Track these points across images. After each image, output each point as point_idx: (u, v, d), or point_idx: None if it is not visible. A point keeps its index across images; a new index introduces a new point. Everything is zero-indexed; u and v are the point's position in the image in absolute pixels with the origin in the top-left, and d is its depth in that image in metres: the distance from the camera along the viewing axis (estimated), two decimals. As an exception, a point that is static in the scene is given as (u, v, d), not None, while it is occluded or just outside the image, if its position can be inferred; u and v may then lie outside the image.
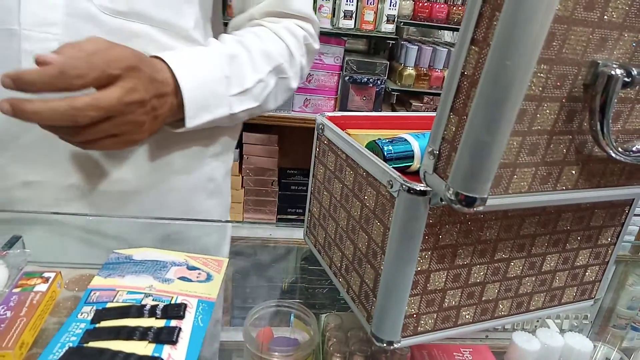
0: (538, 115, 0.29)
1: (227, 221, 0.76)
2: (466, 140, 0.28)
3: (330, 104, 1.59)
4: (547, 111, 0.29)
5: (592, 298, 0.53)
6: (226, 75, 0.56)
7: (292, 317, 0.58)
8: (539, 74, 0.27)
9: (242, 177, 1.70)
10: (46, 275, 0.44)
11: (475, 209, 0.30)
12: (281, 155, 1.70)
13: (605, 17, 0.27)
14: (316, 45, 0.68)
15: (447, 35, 1.84)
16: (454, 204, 0.30)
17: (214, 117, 0.56)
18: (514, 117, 0.27)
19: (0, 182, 0.55)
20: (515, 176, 0.30)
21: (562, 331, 0.70)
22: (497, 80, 0.26)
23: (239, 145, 1.66)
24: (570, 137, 0.31)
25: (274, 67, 0.61)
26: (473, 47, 0.28)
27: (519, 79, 0.26)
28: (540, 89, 0.28)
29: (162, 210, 0.63)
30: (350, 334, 0.58)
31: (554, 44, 0.26)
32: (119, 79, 0.45)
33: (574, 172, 0.33)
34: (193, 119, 0.53)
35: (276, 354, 0.52)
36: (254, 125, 1.60)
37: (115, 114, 0.45)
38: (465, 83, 0.29)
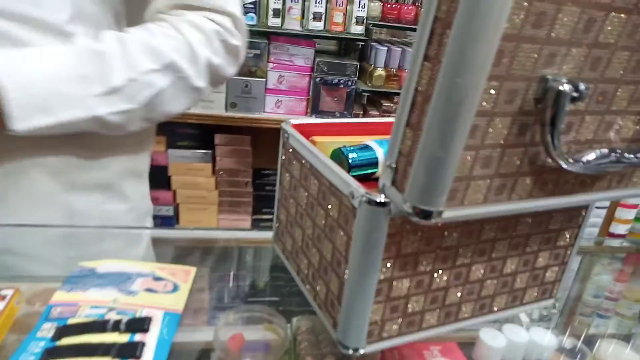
0: (490, 129, 0.29)
1: (134, 227, 0.73)
2: (421, 155, 0.29)
3: (302, 105, 1.59)
4: (499, 125, 0.29)
5: (553, 297, 0.54)
6: (83, 73, 0.51)
7: (259, 321, 0.58)
8: (489, 91, 0.28)
9: (216, 178, 1.69)
10: (3, 292, 0.43)
11: (432, 221, 0.31)
12: (255, 155, 1.69)
13: (553, 34, 0.28)
14: (235, 41, 0.62)
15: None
16: (412, 216, 0.31)
17: (62, 120, 0.51)
18: (467, 133, 0.28)
19: None
20: (470, 189, 0.31)
21: (531, 320, 0.72)
22: (448, 96, 0.27)
23: (212, 146, 1.65)
24: (523, 149, 0.32)
25: (163, 65, 0.56)
26: (426, 64, 0.28)
27: (469, 96, 0.27)
28: (492, 104, 0.28)
29: (40, 213, 0.60)
30: (321, 337, 0.59)
31: (503, 61, 0.27)
32: None
33: (528, 182, 0.34)
34: (24, 122, 0.49)
35: (247, 359, 0.52)
36: (225, 126, 1.58)
37: None
38: (419, 98, 0.29)
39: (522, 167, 0.32)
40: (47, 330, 0.40)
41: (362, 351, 0.42)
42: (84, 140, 0.59)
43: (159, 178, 1.65)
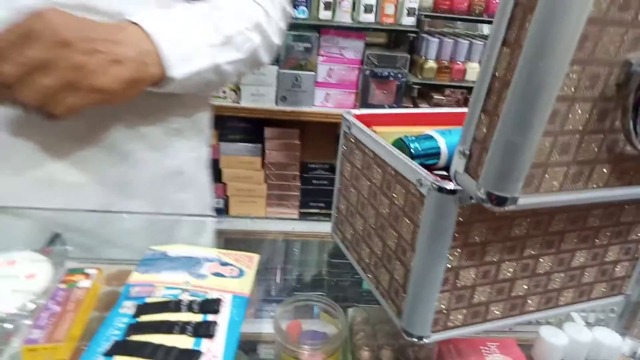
0: (570, 115, 0.29)
1: (203, 215, 0.77)
2: (497, 140, 0.29)
3: (351, 99, 1.59)
4: (579, 111, 0.29)
5: (622, 294, 0.53)
6: (202, 26, 0.57)
7: (315, 310, 0.59)
8: (571, 75, 0.27)
9: (265, 172, 1.72)
10: (88, 271, 0.46)
11: (506, 208, 0.31)
12: (303, 149, 1.71)
13: None
14: (289, 9, 0.71)
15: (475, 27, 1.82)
16: (485, 203, 0.31)
17: (198, 68, 0.56)
18: (546, 118, 0.28)
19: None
20: (547, 175, 0.31)
21: (588, 325, 0.70)
22: (529, 81, 0.27)
23: (261, 140, 1.68)
24: (602, 136, 0.31)
25: (252, 25, 0.62)
26: (505, 49, 0.28)
27: (551, 81, 0.26)
28: (573, 89, 0.28)
29: (125, 201, 0.64)
30: (377, 328, 0.59)
31: (587, 44, 0.27)
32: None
33: (605, 170, 0.33)
34: (176, 69, 0.53)
35: (306, 347, 0.53)
36: (275, 120, 1.61)
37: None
38: (496, 84, 0.29)
39: (600, 155, 0.32)
40: (128, 307, 0.43)
41: (426, 340, 0.43)
42: (162, 125, 0.63)
43: (210, 171, 1.70)
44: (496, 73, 0.29)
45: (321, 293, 0.60)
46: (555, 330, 0.58)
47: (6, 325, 0.41)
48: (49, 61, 0.45)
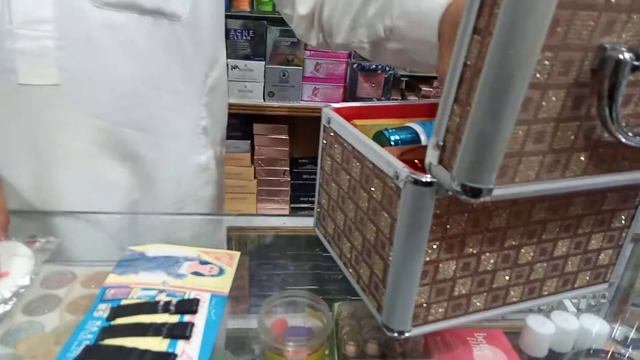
0: (543, 103, 0.28)
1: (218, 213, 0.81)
2: (470, 131, 0.28)
3: (339, 93, 1.58)
4: (553, 98, 0.28)
5: (607, 282, 0.52)
6: None
7: (302, 306, 0.58)
8: (543, 62, 0.27)
9: (255, 167, 1.71)
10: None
11: (481, 199, 0.30)
12: (292, 144, 1.70)
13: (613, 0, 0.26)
14: None
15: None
16: (460, 195, 0.30)
17: None
18: (519, 107, 0.27)
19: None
20: (522, 165, 0.30)
21: (578, 310, 0.70)
22: (500, 69, 0.26)
23: (250, 136, 1.66)
24: (578, 123, 0.30)
25: None
26: (475, 37, 0.27)
27: (522, 68, 0.26)
28: (545, 76, 0.27)
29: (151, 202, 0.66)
30: (363, 322, 0.59)
31: (559, 30, 0.26)
32: None
33: (582, 158, 0.32)
34: None
35: (291, 343, 0.52)
36: (263, 115, 1.60)
37: None
38: (468, 73, 0.28)
39: (576, 143, 0.31)
40: (103, 310, 0.42)
41: (407, 334, 0.42)
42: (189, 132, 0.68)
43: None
44: (467, 62, 0.28)
45: (313, 287, 0.59)
46: (543, 319, 0.58)
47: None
48: None
